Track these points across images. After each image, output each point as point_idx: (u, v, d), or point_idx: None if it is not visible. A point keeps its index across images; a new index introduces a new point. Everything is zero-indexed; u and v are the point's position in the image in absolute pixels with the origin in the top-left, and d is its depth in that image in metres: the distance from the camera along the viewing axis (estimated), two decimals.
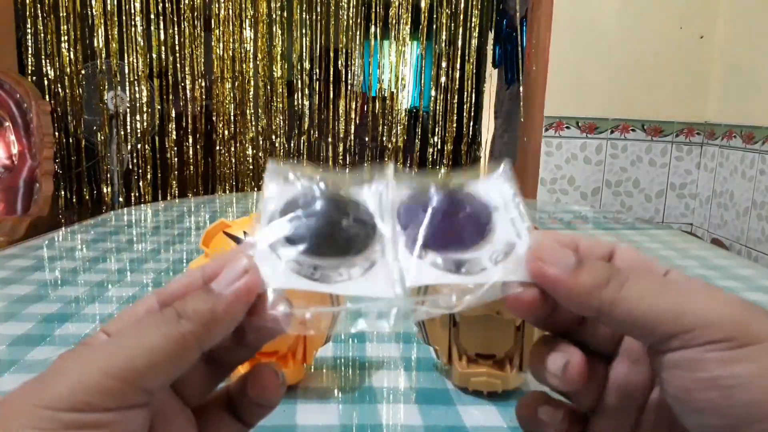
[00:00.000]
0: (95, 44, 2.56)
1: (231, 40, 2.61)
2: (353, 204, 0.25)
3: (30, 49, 2.54)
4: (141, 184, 2.72)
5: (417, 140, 2.85)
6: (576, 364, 0.23)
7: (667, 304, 0.21)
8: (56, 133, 2.55)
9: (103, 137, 2.63)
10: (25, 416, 0.19)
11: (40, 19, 2.51)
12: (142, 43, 2.58)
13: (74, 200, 2.72)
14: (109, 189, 2.68)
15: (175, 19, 2.59)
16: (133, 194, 2.73)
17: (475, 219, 0.25)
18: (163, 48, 2.62)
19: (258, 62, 2.66)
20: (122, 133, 2.63)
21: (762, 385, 0.19)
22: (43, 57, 2.55)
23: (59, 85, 2.60)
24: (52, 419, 0.19)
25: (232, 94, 2.67)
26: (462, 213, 0.25)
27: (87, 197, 2.72)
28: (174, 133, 2.70)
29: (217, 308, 0.21)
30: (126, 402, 0.20)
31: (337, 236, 0.24)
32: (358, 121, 2.84)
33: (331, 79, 2.76)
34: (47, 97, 2.53)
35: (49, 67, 2.57)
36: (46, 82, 2.57)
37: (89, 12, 2.53)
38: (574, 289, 0.22)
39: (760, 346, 0.19)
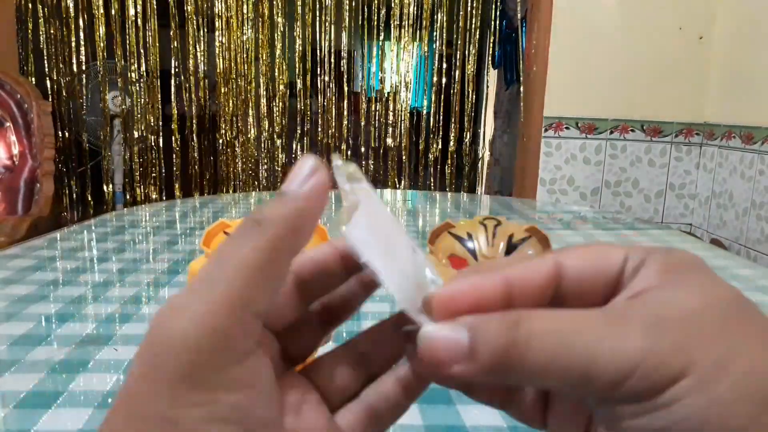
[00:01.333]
0: (97, 45, 2.56)
1: (233, 42, 2.62)
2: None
3: (31, 49, 2.54)
4: (144, 183, 2.72)
5: (420, 140, 2.85)
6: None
7: (572, 363, 0.18)
8: (58, 133, 2.55)
9: (104, 137, 2.63)
10: (167, 397, 0.17)
11: (42, 19, 2.52)
12: (144, 44, 2.58)
13: (76, 200, 2.72)
14: (110, 189, 2.69)
15: (177, 20, 2.60)
16: (137, 195, 2.73)
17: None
18: (165, 49, 2.62)
19: (260, 63, 2.66)
20: (123, 133, 2.64)
21: None
22: (44, 57, 2.55)
23: (61, 86, 2.60)
24: (190, 392, 0.17)
25: (234, 95, 2.67)
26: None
27: (89, 197, 2.73)
28: (177, 133, 2.71)
29: (298, 206, 0.19)
30: (249, 336, 0.18)
31: None
32: (363, 122, 2.85)
33: (333, 80, 2.76)
34: (49, 97, 2.53)
35: (50, 68, 2.57)
36: (47, 83, 2.57)
37: (91, 12, 2.53)
38: (480, 373, 0.19)
39: (672, 396, 0.17)
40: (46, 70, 2.56)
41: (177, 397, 0.17)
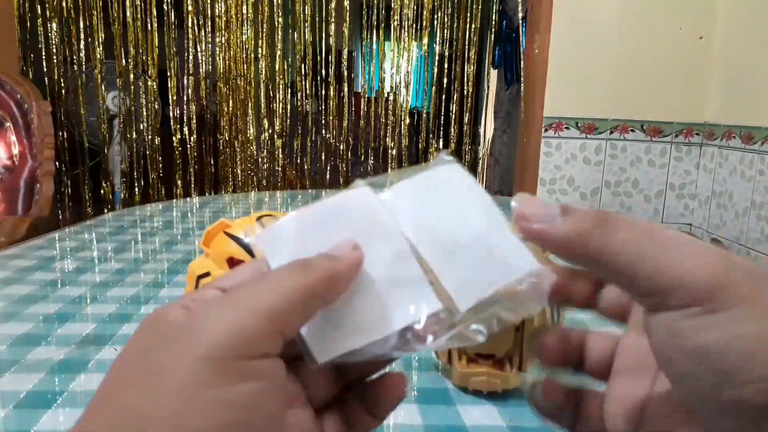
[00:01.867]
0: (97, 45, 2.56)
1: (233, 42, 2.61)
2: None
3: (32, 49, 2.54)
4: (144, 183, 2.72)
5: (420, 140, 2.85)
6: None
7: (648, 257, 0.20)
8: (58, 133, 2.55)
9: (104, 137, 2.63)
10: (189, 371, 0.19)
11: (42, 19, 2.52)
12: (144, 44, 2.58)
13: (76, 200, 2.72)
14: (110, 189, 2.69)
15: (177, 20, 2.60)
16: (136, 195, 2.73)
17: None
18: (165, 49, 2.62)
19: (260, 63, 2.66)
20: (122, 133, 2.64)
21: (734, 353, 0.18)
22: (44, 58, 2.55)
23: (61, 86, 2.60)
24: (214, 372, 0.19)
25: (234, 95, 2.67)
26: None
27: (89, 198, 2.72)
28: (177, 133, 2.71)
29: (340, 268, 0.23)
30: (274, 347, 0.21)
31: None
32: (363, 122, 2.84)
33: (333, 80, 2.76)
34: (48, 97, 2.53)
35: (50, 68, 2.57)
36: (47, 83, 2.57)
37: (91, 13, 2.53)
38: (559, 240, 0.22)
39: (732, 312, 0.19)
40: (46, 70, 2.56)
41: (198, 374, 0.19)
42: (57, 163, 2.55)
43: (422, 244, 0.25)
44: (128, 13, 2.54)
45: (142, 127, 2.66)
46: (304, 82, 2.72)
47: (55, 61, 2.56)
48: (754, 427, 0.19)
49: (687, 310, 0.19)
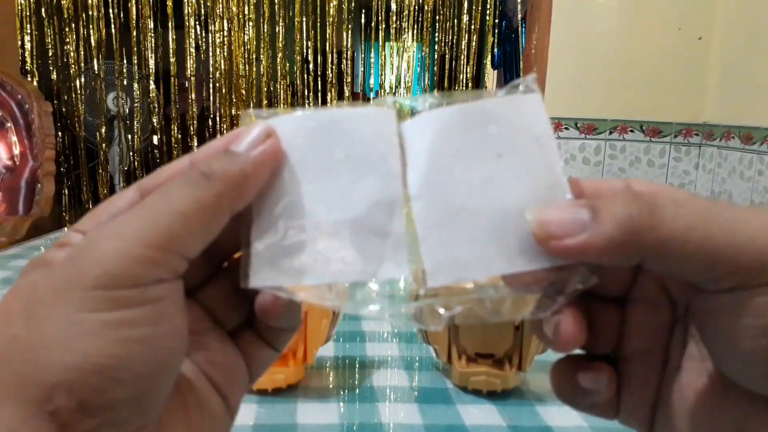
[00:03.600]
0: (98, 45, 2.56)
1: (234, 42, 2.62)
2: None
3: (32, 50, 2.54)
4: None
5: None
6: (565, 323, 0.20)
7: (722, 235, 0.17)
8: (58, 134, 2.55)
9: (104, 138, 2.64)
10: (77, 300, 0.17)
11: (44, 20, 2.52)
12: (144, 44, 2.59)
13: (76, 201, 2.72)
14: (110, 190, 2.69)
15: (177, 20, 2.60)
16: None
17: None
18: (165, 49, 2.62)
19: (260, 63, 2.66)
20: (123, 133, 2.64)
21: None
22: (45, 58, 2.55)
23: (61, 86, 2.60)
24: (105, 299, 0.17)
25: (235, 96, 2.68)
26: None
27: (89, 198, 2.73)
28: (175, 133, 2.71)
29: (246, 170, 0.20)
30: (171, 272, 0.19)
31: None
32: None
33: (334, 80, 2.77)
34: (50, 98, 2.54)
35: (51, 68, 2.57)
36: (48, 83, 2.57)
37: (92, 13, 2.53)
38: (608, 246, 0.18)
39: None
40: (47, 70, 2.56)
41: (87, 301, 0.17)
42: (62, 158, 2.56)
43: (420, 198, 0.21)
44: (131, 13, 2.55)
45: (146, 127, 2.66)
46: (305, 83, 2.73)
47: (55, 61, 2.57)
48: None
49: (766, 287, 0.17)
